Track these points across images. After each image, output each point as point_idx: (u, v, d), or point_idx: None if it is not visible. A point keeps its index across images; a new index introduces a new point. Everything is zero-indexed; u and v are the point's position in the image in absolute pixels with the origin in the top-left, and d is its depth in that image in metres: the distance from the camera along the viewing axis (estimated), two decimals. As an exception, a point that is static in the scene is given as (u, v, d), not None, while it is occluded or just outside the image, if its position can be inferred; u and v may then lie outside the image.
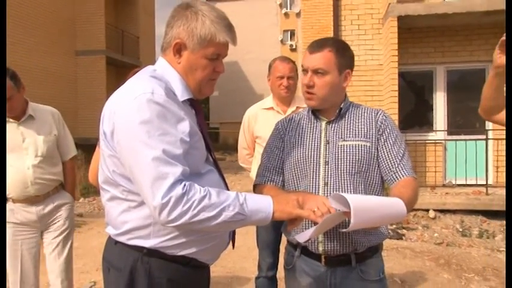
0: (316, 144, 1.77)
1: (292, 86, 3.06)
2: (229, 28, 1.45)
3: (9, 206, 2.71)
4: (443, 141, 8.02)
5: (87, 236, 6.27)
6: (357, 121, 1.79)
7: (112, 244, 1.48)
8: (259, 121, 3.14)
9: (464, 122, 8.20)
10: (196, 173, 1.39)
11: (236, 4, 32.61)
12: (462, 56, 7.92)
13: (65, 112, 3.66)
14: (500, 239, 5.91)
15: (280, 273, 2.28)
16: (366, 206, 1.40)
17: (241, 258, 4.88)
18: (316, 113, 1.83)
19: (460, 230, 6.37)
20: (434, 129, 8.15)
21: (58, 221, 2.83)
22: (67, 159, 2.94)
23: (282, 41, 33.09)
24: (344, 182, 1.71)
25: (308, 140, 1.80)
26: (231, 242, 1.60)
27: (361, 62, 7.77)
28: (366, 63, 8.01)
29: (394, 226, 6.28)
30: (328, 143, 1.76)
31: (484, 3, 6.89)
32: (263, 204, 1.37)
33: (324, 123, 1.80)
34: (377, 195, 1.75)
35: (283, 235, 2.08)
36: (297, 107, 3.04)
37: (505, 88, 1.72)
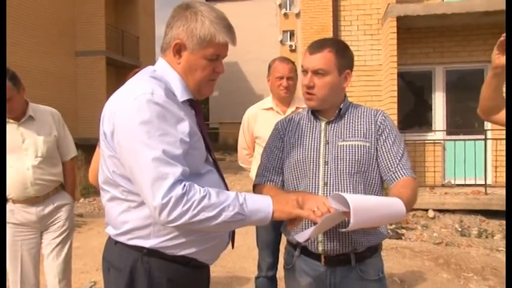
0: (315, 145, 1.78)
1: (291, 86, 3.06)
2: (229, 29, 1.45)
3: (9, 206, 2.71)
4: (442, 141, 8.02)
5: (87, 236, 6.28)
6: (356, 121, 1.79)
7: (112, 244, 1.49)
8: (259, 121, 3.15)
9: (463, 122, 8.20)
10: (196, 173, 1.39)
11: (236, 4, 32.66)
12: (461, 56, 7.92)
13: (65, 113, 3.66)
14: (499, 239, 5.91)
15: (280, 273, 2.28)
16: (365, 206, 1.41)
17: (241, 258, 4.88)
18: (315, 113, 1.83)
19: (459, 229, 6.37)
20: (433, 129, 8.16)
21: (58, 222, 2.83)
22: (67, 159, 2.94)
23: (281, 42, 33.14)
24: (343, 182, 1.71)
25: (308, 140, 1.80)
26: (230, 242, 1.60)
27: (360, 62, 7.78)
28: (365, 63, 8.01)
29: (394, 226, 6.28)
30: (328, 143, 1.77)
31: (483, 4, 6.90)
32: (263, 204, 1.37)
33: (323, 124, 1.81)
34: (376, 195, 1.76)
35: (283, 235, 2.08)
36: (297, 108, 3.04)
37: (504, 88, 1.73)
